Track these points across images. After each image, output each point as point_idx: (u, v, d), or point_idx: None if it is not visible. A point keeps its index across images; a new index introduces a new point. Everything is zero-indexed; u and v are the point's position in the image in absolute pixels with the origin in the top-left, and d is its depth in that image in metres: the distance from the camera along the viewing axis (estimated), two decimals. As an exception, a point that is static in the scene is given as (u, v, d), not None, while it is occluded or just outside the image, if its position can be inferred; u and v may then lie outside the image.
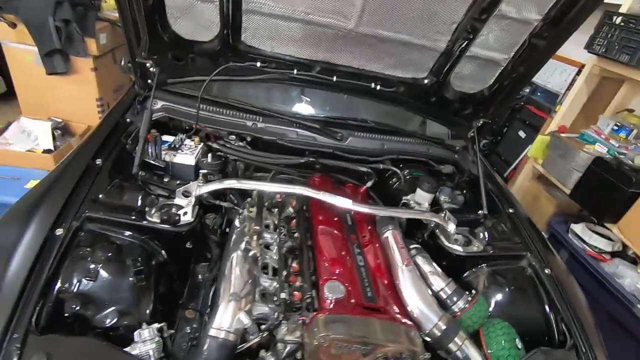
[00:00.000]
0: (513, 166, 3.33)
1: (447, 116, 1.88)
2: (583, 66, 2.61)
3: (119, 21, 2.79)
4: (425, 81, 1.69)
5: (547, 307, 1.31)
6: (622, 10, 2.18)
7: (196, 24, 1.42)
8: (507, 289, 1.37)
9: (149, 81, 1.59)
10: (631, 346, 1.84)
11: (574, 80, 2.77)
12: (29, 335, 0.85)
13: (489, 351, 1.13)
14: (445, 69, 1.62)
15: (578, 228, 2.25)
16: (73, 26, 2.42)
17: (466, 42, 1.50)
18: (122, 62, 1.93)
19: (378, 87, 1.70)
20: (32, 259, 0.96)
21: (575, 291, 1.38)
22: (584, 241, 2.19)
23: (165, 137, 1.59)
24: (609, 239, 2.17)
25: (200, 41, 1.49)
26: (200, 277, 1.45)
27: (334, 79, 1.65)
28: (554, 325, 1.27)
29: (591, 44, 2.33)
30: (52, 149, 2.57)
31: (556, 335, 1.25)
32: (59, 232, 1.04)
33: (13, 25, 2.41)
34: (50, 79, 2.60)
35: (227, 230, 1.55)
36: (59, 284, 0.99)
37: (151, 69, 1.52)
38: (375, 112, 1.95)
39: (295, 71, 1.61)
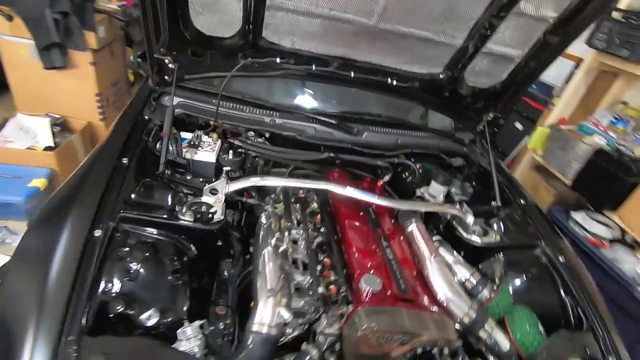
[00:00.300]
0: (511, 157, 3.43)
1: (459, 110, 1.92)
2: (581, 60, 2.69)
3: (117, 13, 2.74)
4: (441, 76, 1.72)
5: (562, 293, 1.37)
6: (622, 6, 2.26)
7: (218, 19, 1.41)
8: (524, 277, 1.43)
9: (166, 77, 1.57)
10: (633, 328, 1.96)
11: (571, 73, 2.86)
12: (83, 337, 0.86)
13: (515, 336, 1.19)
14: (461, 64, 1.66)
15: (579, 216, 2.36)
16: (71, 19, 2.34)
17: (483, 38, 1.54)
18: (131, 58, 1.90)
19: (394, 83, 1.72)
20: (76, 261, 0.95)
21: (586, 276, 1.45)
22: (584, 229, 2.30)
23: (182, 134, 1.58)
24: (607, 226, 2.28)
25: (221, 37, 1.48)
26: (226, 273, 1.46)
27: (352, 74, 1.67)
28: (570, 309, 1.34)
29: (591, 38, 2.41)
30: (53, 145, 2.50)
31: (572, 319, 1.32)
32: (98, 233, 1.04)
33: (9, 18, 2.31)
34: (47, 74, 2.52)
35: (243, 225, 1.57)
36: (102, 286, 0.99)
37: (170, 65, 1.50)
38: (379, 105, 1.98)
39: (313, 67, 1.62)
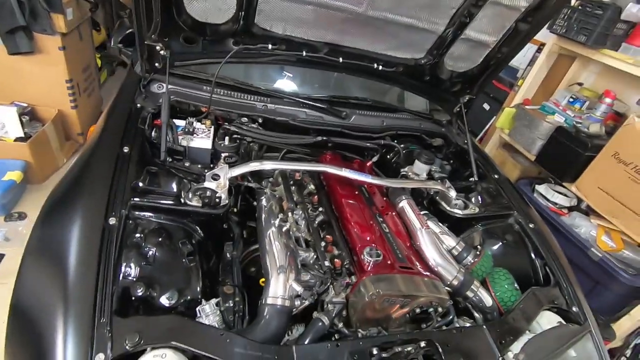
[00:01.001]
0: (479, 136, 3.66)
1: (438, 93, 2.04)
2: (542, 44, 2.90)
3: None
4: (423, 61, 1.82)
5: (532, 255, 1.56)
6: (580, -6, 2.45)
7: (212, 5, 1.41)
8: (500, 243, 1.62)
9: (156, 64, 1.56)
10: (587, 282, 2.25)
11: (534, 57, 3.07)
12: (114, 318, 0.90)
13: (496, 294, 1.36)
14: (441, 50, 1.76)
15: (542, 188, 2.61)
16: (37, 0, 2.20)
17: (462, 25, 1.65)
18: (112, 43, 1.85)
19: (380, 68, 1.81)
20: (97, 249, 0.98)
21: (552, 240, 1.65)
22: (547, 199, 2.55)
23: (175, 121, 1.59)
24: (566, 196, 2.55)
25: (214, 23, 1.48)
26: (228, 255, 1.52)
27: (340, 60, 1.73)
28: (539, 269, 1.53)
29: (552, 24, 2.61)
30: (23, 136, 2.38)
31: (541, 277, 1.51)
32: (113, 221, 1.06)
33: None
34: (12, 60, 2.37)
35: (236, 210, 1.62)
36: (122, 271, 1.03)
37: (161, 52, 1.50)
38: (365, 89, 2.07)
39: (304, 53, 1.66)
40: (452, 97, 2.06)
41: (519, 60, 3.26)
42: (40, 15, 2.25)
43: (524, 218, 1.64)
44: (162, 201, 1.21)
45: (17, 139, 2.35)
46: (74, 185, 1.17)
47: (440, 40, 1.72)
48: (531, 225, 1.62)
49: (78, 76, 2.71)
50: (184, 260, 1.15)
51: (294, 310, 1.16)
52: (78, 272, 0.95)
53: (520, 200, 1.77)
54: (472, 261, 1.45)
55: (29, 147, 2.31)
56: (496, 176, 1.86)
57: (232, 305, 1.33)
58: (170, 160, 1.42)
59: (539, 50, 2.96)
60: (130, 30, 1.79)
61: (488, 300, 1.34)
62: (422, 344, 1.06)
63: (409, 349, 1.04)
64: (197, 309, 1.08)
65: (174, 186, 1.29)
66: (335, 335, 1.17)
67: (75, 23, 2.56)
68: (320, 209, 1.49)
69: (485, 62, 1.85)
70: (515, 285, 1.40)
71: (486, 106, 3.67)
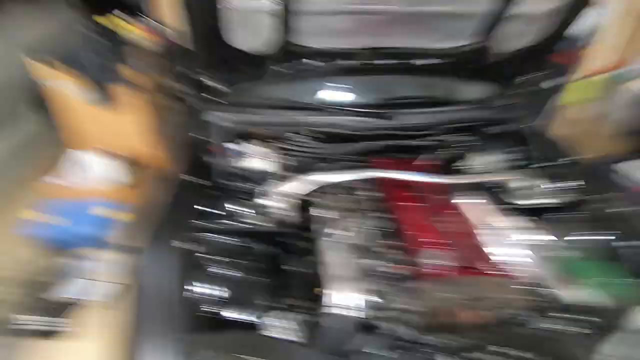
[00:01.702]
0: (546, 115, 3.33)
1: (492, 77, 1.91)
2: (607, 5, 2.57)
3: (151, 46, 2.89)
4: (469, 47, 1.72)
5: (624, 239, 1.37)
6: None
7: (252, 33, 1.50)
8: (582, 230, 1.45)
9: (210, 96, 1.69)
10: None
11: (595, 23, 2.73)
12: (190, 335, 0.99)
13: (583, 289, 1.22)
14: (486, 32, 1.66)
15: (628, 165, 2.29)
16: (112, 56, 2.53)
17: (507, 1, 1.53)
18: (172, 82, 2.05)
19: (424, 62, 1.75)
20: (169, 272, 1.09)
21: None
22: (634, 177, 2.23)
23: (232, 146, 1.69)
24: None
25: (256, 49, 1.57)
26: (290, 268, 1.56)
27: (382, 62, 1.71)
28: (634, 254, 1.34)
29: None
30: (127, 181, 2.77)
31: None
32: (181, 245, 1.17)
33: (51, 65, 2.53)
34: (99, 112, 2.71)
35: (294, 223, 1.65)
36: (192, 290, 1.12)
37: (213, 85, 1.62)
38: (413, 87, 2.00)
39: (344, 62, 1.68)
40: (508, 80, 1.92)
41: (580, 29, 2.92)
42: (115, 69, 2.57)
43: (606, 200, 1.46)
44: (223, 222, 1.30)
45: (123, 184, 2.74)
46: (148, 217, 1.31)
47: (483, 23, 1.62)
48: (615, 208, 1.43)
49: (155, 119, 3.01)
50: (248, 276, 1.22)
51: (358, 319, 1.16)
52: (154, 295, 1.06)
53: (602, 182, 1.58)
54: (548, 254, 1.32)
55: (132, 190, 2.68)
56: (569, 159, 1.69)
57: (298, 317, 1.37)
58: (228, 183, 1.52)
59: (603, 12, 2.63)
60: (183, 69, 1.97)
61: (573, 297, 1.21)
62: (497, 348, 0.99)
63: (482, 354, 0.98)
64: (264, 322, 1.13)
65: (237, 207, 1.38)
66: (403, 344, 1.15)
67: (145, 71, 2.86)
68: (376, 214, 1.48)
69: (540, 36, 1.69)
70: (606, 277, 1.25)
71: (550, 83, 3.34)
